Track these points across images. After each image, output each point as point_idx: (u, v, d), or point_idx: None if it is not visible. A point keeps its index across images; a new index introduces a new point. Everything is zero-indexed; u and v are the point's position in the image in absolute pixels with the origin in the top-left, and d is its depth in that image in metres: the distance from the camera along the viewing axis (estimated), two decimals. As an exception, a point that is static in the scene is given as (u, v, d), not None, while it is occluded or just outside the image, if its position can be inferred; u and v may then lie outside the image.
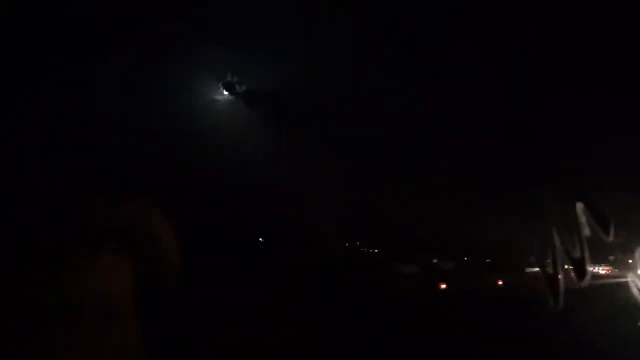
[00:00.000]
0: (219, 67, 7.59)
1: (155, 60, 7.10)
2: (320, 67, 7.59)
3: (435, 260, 7.70)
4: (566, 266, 6.14)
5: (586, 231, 5.99)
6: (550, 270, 5.95)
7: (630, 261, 7.50)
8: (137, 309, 0.97)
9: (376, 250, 7.89)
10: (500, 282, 6.32)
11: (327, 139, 7.49)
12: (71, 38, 6.48)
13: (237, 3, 7.27)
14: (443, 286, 6.62)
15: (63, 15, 6.39)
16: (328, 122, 7.57)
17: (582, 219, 5.87)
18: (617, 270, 7.84)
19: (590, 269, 6.19)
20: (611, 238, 5.92)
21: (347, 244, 7.75)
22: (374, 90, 7.51)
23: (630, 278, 6.55)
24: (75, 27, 6.58)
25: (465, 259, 7.51)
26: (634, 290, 6.22)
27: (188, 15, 7.13)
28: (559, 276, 5.87)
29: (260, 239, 7.84)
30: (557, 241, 5.95)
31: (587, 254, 5.82)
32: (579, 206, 5.99)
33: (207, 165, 7.66)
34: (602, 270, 7.76)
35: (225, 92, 7.60)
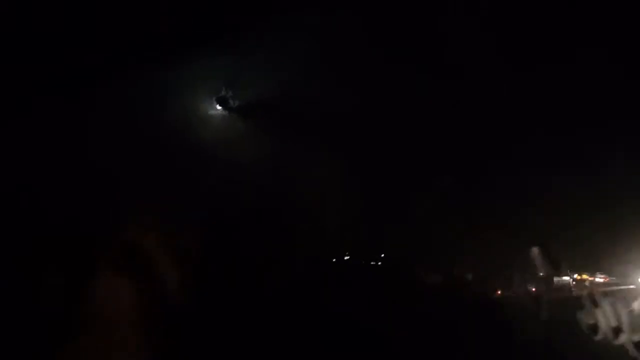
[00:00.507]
0: (211, 81, 7.52)
1: (148, 73, 7.03)
2: (318, 76, 7.55)
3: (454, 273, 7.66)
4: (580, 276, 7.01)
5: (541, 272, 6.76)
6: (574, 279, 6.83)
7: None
8: (140, 326, 0.92)
9: (379, 263, 7.87)
10: (534, 289, 6.86)
11: (326, 149, 7.44)
12: (63, 55, 6.43)
13: (231, 15, 7.24)
14: (499, 292, 7.02)
15: (51, 29, 6.34)
16: (326, 132, 7.52)
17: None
18: (614, 278, 8.04)
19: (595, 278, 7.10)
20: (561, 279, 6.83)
21: (347, 256, 7.69)
22: (373, 96, 7.47)
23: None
24: (66, 43, 6.53)
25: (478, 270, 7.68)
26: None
27: (181, 30, 7.10)
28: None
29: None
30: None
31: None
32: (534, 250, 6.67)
33: (202, 180, 7.56)
34: (600, 279, 7.94)
35: (219, 107, 7.52)
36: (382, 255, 7.82)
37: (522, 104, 7.44)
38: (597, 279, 7.35)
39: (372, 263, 7.84)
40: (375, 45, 7.52)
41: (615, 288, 6.98)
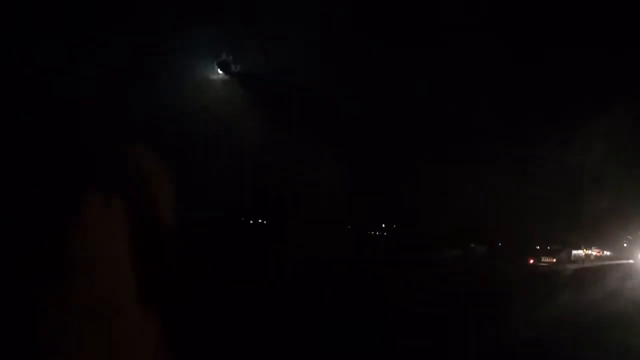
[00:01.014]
0: (214, 46, 7.30)
1: (151, 41, 6.81)
2: (316, 47, 7.36)
3: (472, 245, 8.40)
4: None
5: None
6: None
7: (625, 245, 7.98)
8: (128, 271, 0.77)
9: (385, 233, 7.89)
10: (554, 260, 7.93)
11: (326, 119, 7.30)
12: (65, 15, 6.19)
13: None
14: (531, 261, 7.96)
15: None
16: (326, 102, 7.37)
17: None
18: (612, 252, 8.33)
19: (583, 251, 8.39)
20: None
21: (349, 226, 7.65)
22: (374, 68, 7.32)
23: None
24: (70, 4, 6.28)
25: (500, 244, 7.97)
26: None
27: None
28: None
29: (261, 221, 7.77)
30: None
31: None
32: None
33: (201, 146, 7.41)
34: (594, 252, 8.33)
35: (221, 72, 7.30)
36: (383, 225, 7.82)
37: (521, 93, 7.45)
38: (592, 253, 8.66)
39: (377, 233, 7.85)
40: (374, 21, 7.37)
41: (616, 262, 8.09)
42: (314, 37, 7.15)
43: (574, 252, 8.10)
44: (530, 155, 7.04)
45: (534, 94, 7.35)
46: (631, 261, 7.66)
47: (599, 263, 7.99)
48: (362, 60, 7.30)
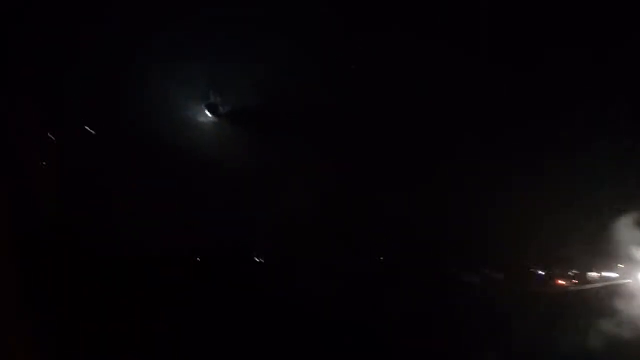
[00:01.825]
0: (201, 87, 7.24)
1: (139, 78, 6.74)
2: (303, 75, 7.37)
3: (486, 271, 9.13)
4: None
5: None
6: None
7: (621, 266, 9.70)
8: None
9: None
10: (576, 281, 9.41)
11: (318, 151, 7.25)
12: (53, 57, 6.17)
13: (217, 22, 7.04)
14: (560, 282, 9.19)
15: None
16: (316, 134, 7.33)
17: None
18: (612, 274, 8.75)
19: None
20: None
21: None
22: (365, 100, 7.32)
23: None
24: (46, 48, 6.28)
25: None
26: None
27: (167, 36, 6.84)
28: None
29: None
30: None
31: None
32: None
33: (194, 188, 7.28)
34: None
35: (209, 114, 7.25)
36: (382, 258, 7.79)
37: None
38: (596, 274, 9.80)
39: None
40: (366, 48, 7.39)
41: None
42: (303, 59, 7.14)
43: (589, 274, 9.36)
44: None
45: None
46: (630, 280, 9.03)
47: (607, 282, 9.12)
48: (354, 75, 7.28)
